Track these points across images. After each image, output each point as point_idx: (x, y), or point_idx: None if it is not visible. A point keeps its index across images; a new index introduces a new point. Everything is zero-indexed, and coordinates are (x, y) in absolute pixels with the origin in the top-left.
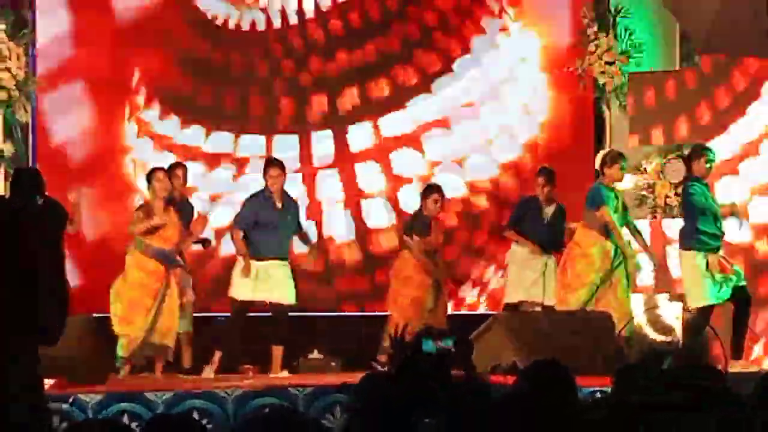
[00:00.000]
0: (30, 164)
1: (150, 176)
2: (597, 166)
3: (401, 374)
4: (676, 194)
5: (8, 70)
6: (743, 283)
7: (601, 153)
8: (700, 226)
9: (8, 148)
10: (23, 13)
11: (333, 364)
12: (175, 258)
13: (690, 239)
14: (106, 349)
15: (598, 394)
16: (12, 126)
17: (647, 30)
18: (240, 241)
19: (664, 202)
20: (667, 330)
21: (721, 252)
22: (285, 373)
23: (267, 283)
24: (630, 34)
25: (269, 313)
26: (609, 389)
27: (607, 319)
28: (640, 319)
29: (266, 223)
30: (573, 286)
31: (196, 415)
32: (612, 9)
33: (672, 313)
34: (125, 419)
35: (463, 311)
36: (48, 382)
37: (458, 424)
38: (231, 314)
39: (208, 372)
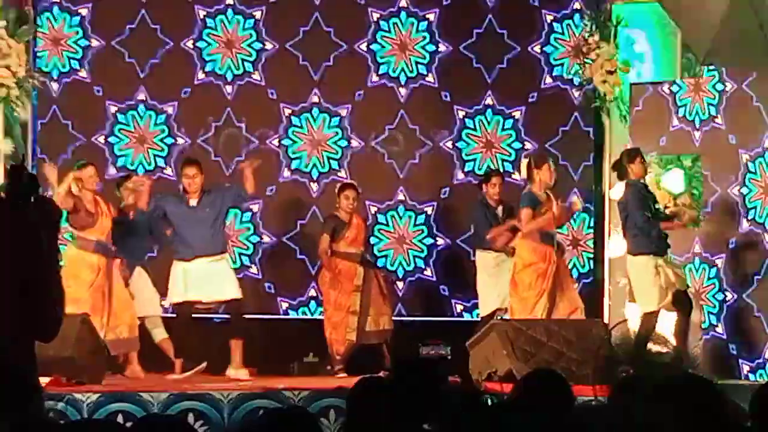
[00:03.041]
0: (30, 162)
1: (79, 171)
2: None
3: (398, 381)
4: (675, 204)
5: (8, 67)
6: (685, 287)
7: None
8: (644, 229)
9: (8, 146)
10: (25, 10)
11: (329, 367)
12: (112, 249)
13: (636, 244)
14: (103, 348)
15: (594, 403)
16: (11, 123)
17: (649, 40)
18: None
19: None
20: (662, 340)
21: (668, 255)
22: (244, 371)
23: (200, 282)
24: (632, 44)
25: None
26: (603, 398)
27: (603, 328)
28: (634, 327)
29: (180, 222)
30: (530, 300)
31: (191, 417)
32: (614, 18)
33: (669, 324)
34: (120, 419)
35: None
36: (44, 380)
37: (455, 431)
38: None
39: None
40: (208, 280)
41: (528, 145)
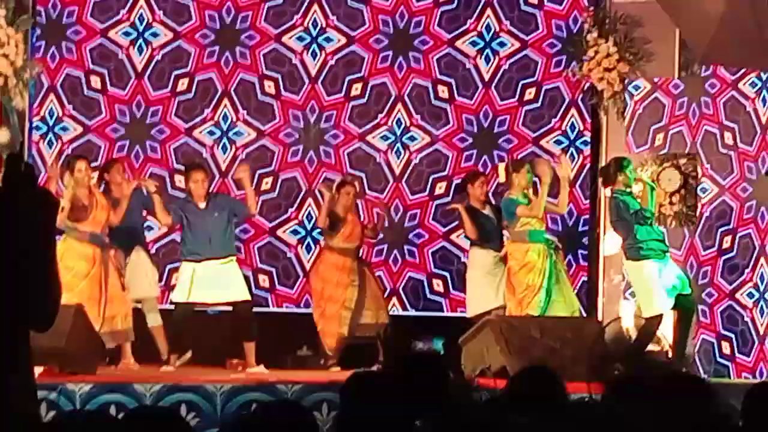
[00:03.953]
0: (26, 151)
1: (71, 166)
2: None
3: (398, 375)
4: (671, 203)
5: (6, 56)
6: (687, 291)
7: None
8: (639, 235)
9: (4, 136)
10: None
11: (322, 361)
12: (106, 240)
13: (634, 249)
14: (97, 339)
15: (587, 401)
16: (8, 113)
17: (648, 38)
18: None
19: (658, 210)
20: (657, 340)
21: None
22: (261, 368)
23: (208, 284)
24: (630, 42)
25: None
26: (596, 395)
27: (597, 325)
28: (629, 324)
29: (192, 224)
30: (527, 299)
31: (183, 409)
32: (613, 15)
33: (668, 324)
34: (113, 410)
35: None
36: (38, 370)
37: (451, 426)
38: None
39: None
40: (216, 282)
41: (524, 142)
